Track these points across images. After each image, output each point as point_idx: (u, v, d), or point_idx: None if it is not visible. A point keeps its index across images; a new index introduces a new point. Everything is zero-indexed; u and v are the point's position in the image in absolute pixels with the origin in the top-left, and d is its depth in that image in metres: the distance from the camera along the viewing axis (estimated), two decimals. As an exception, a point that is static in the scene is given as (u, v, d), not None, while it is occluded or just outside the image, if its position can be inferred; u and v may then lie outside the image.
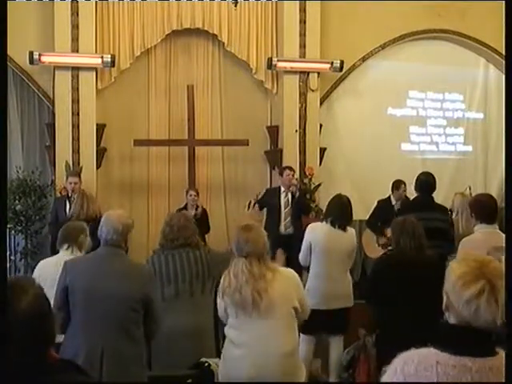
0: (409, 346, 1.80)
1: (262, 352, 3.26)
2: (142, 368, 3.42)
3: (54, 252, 4.75)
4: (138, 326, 3.34)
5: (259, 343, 3.27)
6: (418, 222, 4.09)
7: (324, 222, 5.14)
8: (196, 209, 7.29)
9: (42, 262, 4.46)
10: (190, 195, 7.36)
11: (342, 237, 5.06)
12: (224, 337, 3.48)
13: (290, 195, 7.26)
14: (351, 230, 5.20)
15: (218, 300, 3.45)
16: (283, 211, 7.23)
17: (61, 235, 4.41)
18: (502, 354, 1.76)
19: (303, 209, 7.39)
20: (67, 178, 7.00)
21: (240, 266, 3.31)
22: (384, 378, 1.78)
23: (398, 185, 7.59)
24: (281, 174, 7.52)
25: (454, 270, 1.79)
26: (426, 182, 5.51)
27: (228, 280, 3.34)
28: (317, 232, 5.10)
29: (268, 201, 7.29)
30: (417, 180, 5.58)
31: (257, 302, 3.25)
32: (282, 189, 7.33)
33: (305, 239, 5.15)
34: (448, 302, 1.79)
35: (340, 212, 5.11)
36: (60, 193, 7.37)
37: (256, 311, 3.26)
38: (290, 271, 3.51)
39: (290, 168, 7.50)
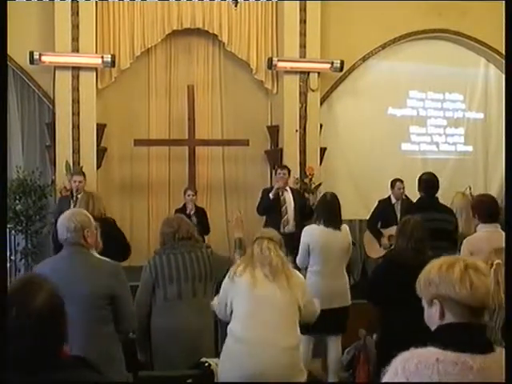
0: (410, 348, 1.78)
1: (266, 344, 3.31)
2: (111, 367, 3.18)
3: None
4: (104, 323, 3.26)
5: (264, 334, 3.33)
6: (420, 223, 4.06)
7: (317, 224, 5.17)
8: (193, 208, 7.27)
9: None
10: (188, 195, 7.33)
11: (336, 236, 5.14)
12: (223, 338, 3.47)
13: (288, 193, 7.22)
14: (344, 227, 5.28)
15: (226, 284, 3.53)
16: (282, 210, 7.19)
17: None
18: (499, 350, 1.76)
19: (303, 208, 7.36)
20: (72, 177, 6.97)
21: (259, 246, 3.54)
22: (385, 378, 1.75)
23: (393, 183, 7.58)
24: (275, 173, 7.52)
25: (433, 266, 1.83)
26: (430, 182, 5.44)
27: (244, 259, 3.56)
28: (314, 234, 5.16)
29: (267, 200, 7.24)
30: (420, 180, 5.51)
31: (269, 279, 3.40)
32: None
33: (302, 241, 5.18)
34: (442, 301, 1.78)
35: (329, 213, 5.16)
36: (60, 193, 7.37)
37: (265, 293, 3.37)
38: (300, 274, 3.65)
39: (283, 167, 7.45)
